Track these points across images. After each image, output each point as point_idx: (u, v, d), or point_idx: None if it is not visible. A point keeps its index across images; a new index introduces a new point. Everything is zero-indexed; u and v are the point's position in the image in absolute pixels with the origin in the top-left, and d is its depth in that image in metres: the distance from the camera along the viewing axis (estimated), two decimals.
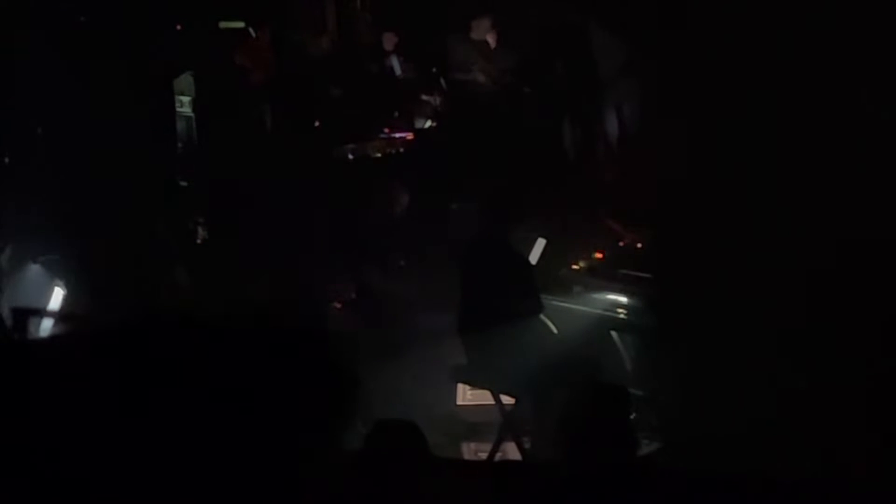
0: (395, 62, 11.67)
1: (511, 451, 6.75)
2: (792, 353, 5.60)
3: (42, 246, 7.65)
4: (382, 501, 4.21)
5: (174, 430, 1.98)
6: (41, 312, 7.00)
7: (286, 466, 2.09)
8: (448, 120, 11.15)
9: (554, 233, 8.04)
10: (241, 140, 9.51)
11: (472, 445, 7.19)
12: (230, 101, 9.79)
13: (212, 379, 2.04)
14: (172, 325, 2.17)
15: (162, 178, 8.54)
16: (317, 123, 10.74)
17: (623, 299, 7.22)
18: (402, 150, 10.69)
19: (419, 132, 11.13)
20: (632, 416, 4.79)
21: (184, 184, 9.26)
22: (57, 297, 7.46)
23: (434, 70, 11.58)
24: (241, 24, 10.59)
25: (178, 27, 9.64)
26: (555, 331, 6.98)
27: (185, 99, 9.94)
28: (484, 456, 6.82)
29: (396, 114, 11.28)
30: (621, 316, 7.19)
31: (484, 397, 7.14)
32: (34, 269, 7.59)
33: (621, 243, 7.82)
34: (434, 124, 11.31)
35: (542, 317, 6.92)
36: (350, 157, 10.39)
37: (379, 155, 10.51)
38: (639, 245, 7.66)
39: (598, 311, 7.25)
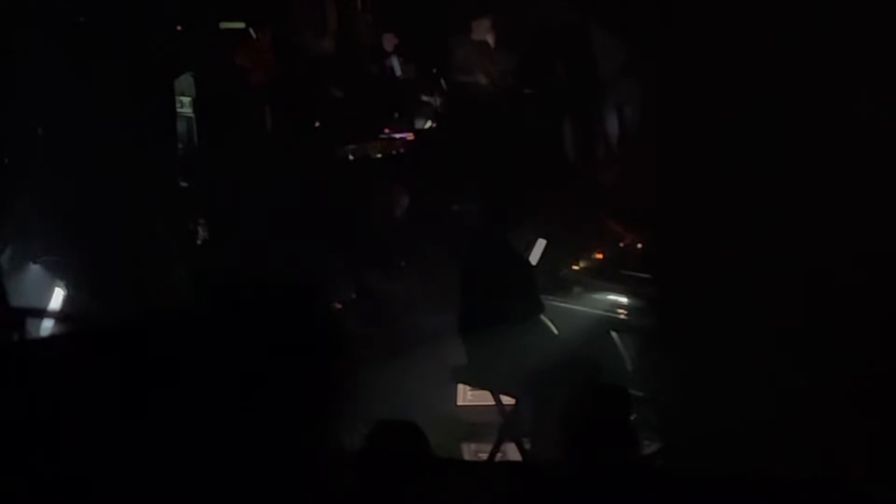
0: (395, 63, 11.67)
1: (511, 452, 6.75)
2: (792, 353, 5.60)
3: (42, 246, 7.65)
4: (384, 502, 4.21)
5: (174, 430, 1.98)
6: (41, 313, 7.00)
7: (286, 466, 2.09)
8: (448, 120, 11.15)
9: (554, 233, 8.04)
10: (242, 140, 9.50)
11: (473, 446, 7.20)
12: (231, 102, 9.78)
13: (212, 378, 2.04)
14: (172, 324, 2.17)
15: (162, 179, 8.54)
16: (317, 124, 10.74)
17: (623, 300, 7.23)
18: (402, 150, 10.69)
19: (419, 133, 11.13)
20: (632, 417, 4.78)
21: (184, 184, 9.26)
22: (57, 298, 7.45)
23: (434, 71, 11.58)
24: (241, 25, 10.59)
25: (179, 28, 9.64)
26: (555, 331, 6.98)
27: (186, 99, 9.94)
28: (484, 456, 6.82)
29: (397, 114, 11.28)
30: (621, 316, 7.20)
31: (484, 398, 7.14)
32: (34, 270, 7.59)
33: (621, 244, 7.83)
34: (434, 125, 11.31)
35: (542, 317, 6.93)
36: (350, 157, 10.39)
37: (379, 155, 10.51)
38: (639, 245, 7.66)
39: (599, 312, 7.25)
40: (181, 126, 9.64)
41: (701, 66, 6.03)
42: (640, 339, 7.03)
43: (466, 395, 7.57)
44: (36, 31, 7.37)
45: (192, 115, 9.90)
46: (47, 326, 6.77)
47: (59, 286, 7.46)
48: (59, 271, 7.57)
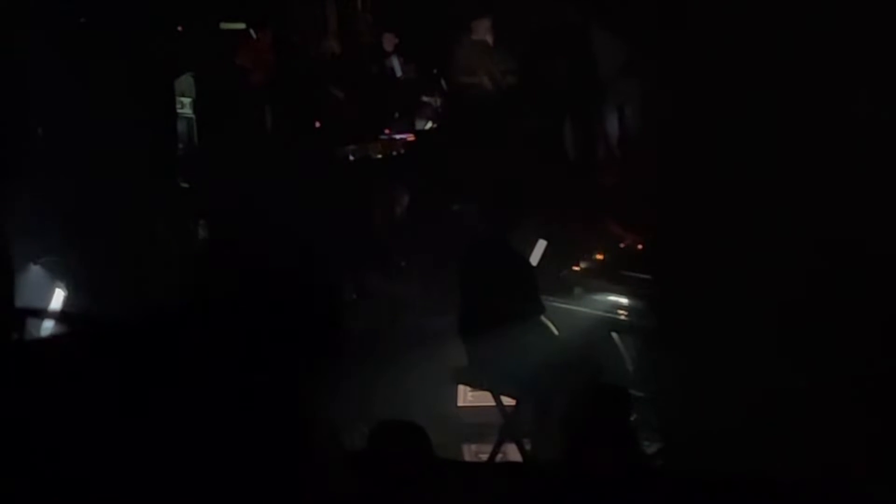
0: (395, 63, 11.68)
1: (512, 453, 6.75)
2: (792, 353, 5.60)
3: (43, 247, 7.64)
4: (385, 502, 4.20)
5: (175, 430, 1.98)
6: (42, 313, 6.99)
7: (288, 465, 2.09)
8: (449, 121, 11.15)
9: (555, 234, 8.03)
10: (242, 141, 9.50)
11: (473, 447, 7.19)
12: (231, 103, 9.78)
13: (212, 378, 2.04)
14: (172, 324, 2.17)
15: (163, 180, 8.54)
16: (317, 124, 10.74)
17: (624, 300, 7.22)
18: (402, 151, 10.69)
19: (420, 133, 11.13)
20: (633, 418, 4.78)
21: (185, 185, 9.25)
22: (58, 299, 7.45)
23: (435, 71, 11.59)
24: (241, 26, 10.58)
25: (179, 28, 9.64)
26: (556, 332, 6.97)
27: (186, 100, 9.94)
28: (485, 457, 6.82)
29: (397, 115, 11.28)
30: (622, 317, 7.19)
31: (485, 399, 7.13)
32: (35, 271, 7.58)
33: (622, 244, 7.82)
34: (435, 125, 11.32)
35: (542, 318, 6.91)
36: (351, 157, 10.39)
37: (380, 156, 10.51)
38: (639, 246, 7.66)
39: (599, 313, 7.25)
40: (181, 126, 9.64)
41: (701, 66, 6.03)
42: (641, 340, 7.03)
43: (467, 396, 7.57)
44: (36, 31, 7.37)
45: (192, 115, 9.90)
46: (48, 327, 6.76)
47: (59, 287, 7.45)
48: (59, 272, 7.56)
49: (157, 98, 8.55)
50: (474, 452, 7.12)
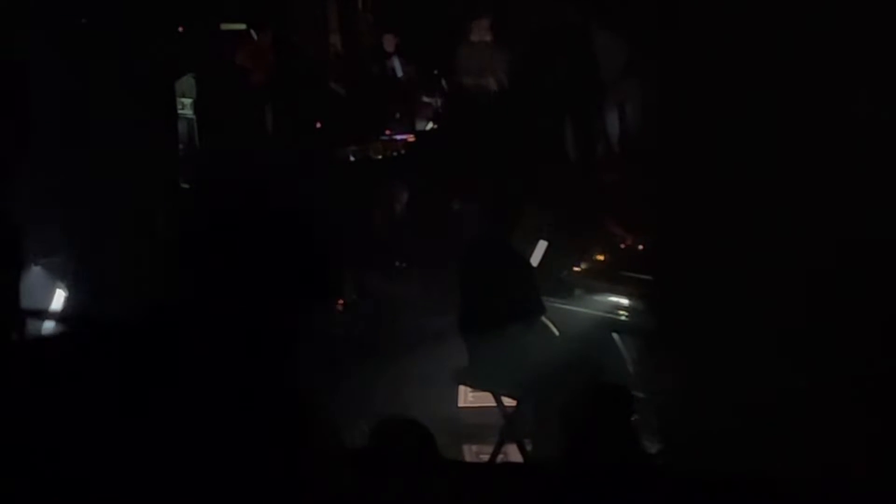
0: (396, 63, 11.68)
1: (513, 454, 6.75)
2: (792, 353, 5.60)
3: (43, 248, 7.64)
4: (388, 502, 4.20)
5: (175, 430, 1.98)
6: (42, 314, 6.99)
7: (289, 465, 2.09)
8: (449, 121, 11.15)
9: (555, 235, 8.03)
10: (243, 142, 9.51)
11: (474, 447, 7.19)
12: (231, 103, 9.78)
13: (212, 377, 2.04)
14: (172, 324, 2.17)
15: (163, 180, 8.53)
16: (318, 125, 10.75)
17: (625, 301, 7.22)
18: (403, 151, 10.69)
19: (420, 133, 11.13)
20: (633, 418, 4.78)
21: (185, 185, 9.26)
22: (59, 300, 7.44)
23: (435, 72, 11.59)
24: (242, 26, 10.59)
25: (180, 29, 9.64)
26: (556, 333, 6.98)
27: (187, 101, 9.94)
28: (485, 458, 6.81)
29: (398, 115, 11.29)
30: (623, 318, 7.19)
31: (485, 399, 7.14)
32: (35, 272, 7.58)
33: (623, 245, 7.82)
34: (435, 126, 11.32)
35: (543, 319, 6.92)
36: (351, 158, 10.40)
37: (380, 156, 10.52)
38: (640, 247, 7.65)
39: (600, 313, 7.24)
40: (182, 127, 9.64)
41: (702, 67, 6.03)
42: (641, 341, 7.02)
43: (467, 397, 7.57)
44: (36, 31, 7.36)
45: (193, 116, 9.91)
46: (49, 327, 6.76)
47: (60, 287, 7.45)
48: (60, 273, 7.56)
49: (158, 99, 8.55)
50: (475, 453, 7.12)
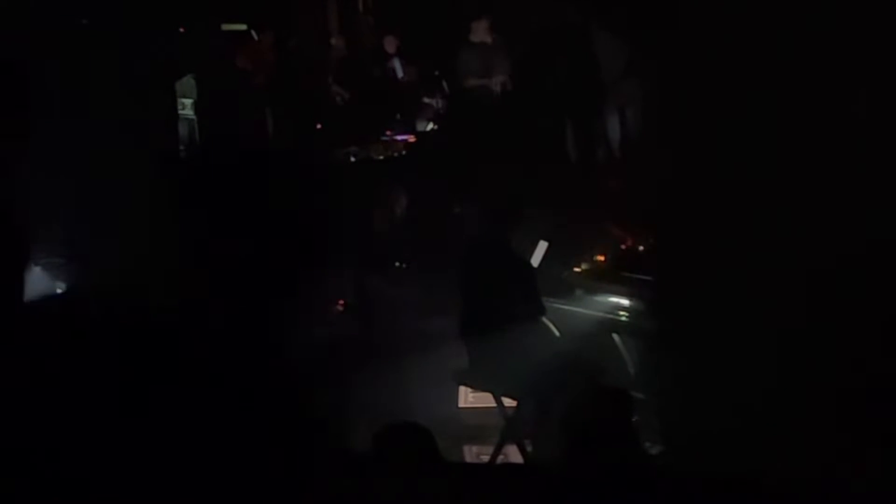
0: (396, 64, 11.70)
1: (513, 455, 6.74)
2: (793, 354, 5.59)
3: (44, 248, 7.64)
4: (388, 502, 4.19)
5: (175, 429, 1.97)
6: (43, 314, 6.98)
7: (289, 466, 2.08)
8: (450, 122, 11.16)
9: (556, 235, 8.03)
10: (243, 142, 9.49)
11: (474, 448, 7.18)
12: (232, 104, 9.78)
13: (213, 377, 2.04)
14: (171, 324, 2.17)
15: (163, 181, 8.53)
16: (318, 126, 10.75)
17: (625, 302, 7.22)
18: (403, 152, 10.70)
19: (421, 134, 11.14)
20: (634, 419, 4.78)
21: (185, 186, 9.25)
22: (59, 300, 7.43)
23: (436, 73, 11.60)
24: (243, 27, 10.60)
25: (181, 29, 9.64)
26: (557, 333, 6.98)
27: (187, 101, 9.94)
28: (486, 459, 6.81)
29: (398, 116, 11.29)
30: (623, 318, 7.18)
31: (486, 400, 7.13)
32: (36, 272, 7.58)
33: (623, 246, 7.82)
34: (436, 126, 11.32)
35: (544, 319, 6.92)
36: (352, 159, 10.40)
37: (381, 157, 10.52)
38: (641, 248, 7.65)
39: (601, 314, 7.24)
40: (183, 128, 9.64)
41: (702, 68, 6.03)
42: (642, 342, 7.02)
43: (468, 398, 7.57)
44: (36, 31, 7.36)
45: (193, 117, 9.90)
46: (49, 328, 6.75)
47: (60, 288, 7.45)
48: (60, 273, 7.56)
49: (159, 99, 8.56)
50: (475, 454, 7.12)
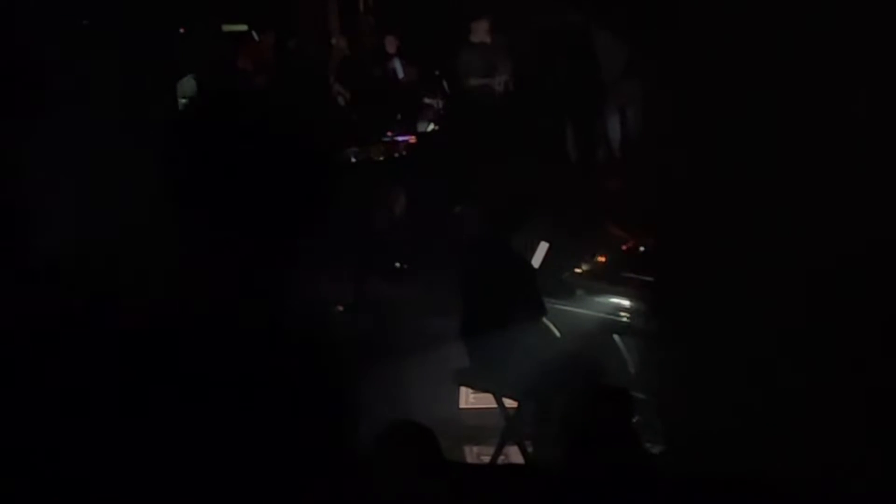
0: (397, 65, 11.70)
1: (514, 455, 6.75)
2: (793, 354, 5.59)
3: (43, 248, 7.64)
4: (389, 503, 4.20)
5: (176, 429, 1.97)
6: (43, 314, 6.98)
7: (290, 466, 2.09)
8: (451, 123, 11.16)
9: (557, 236, 8.03)
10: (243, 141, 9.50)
11: (475, 449, 7.19)
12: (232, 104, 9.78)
13: (213, 379, 2.04)
14: (172, 325, 2.17)
15: (163, 181, 8.54)
16: (318, 126, 10.74)
17: (626, 303, 7.21)
18: (404, 152, 10.70)
19: (422, 135, 11.14)
20: (635, 420, 4.78)
21: (185, 186, 9.26)
22: (59, 300, 7.45)
23: (437, 73, 11.60)
24: (244, 28, 10.60)
25: (182, 30, 9.65)
26: (557, 334, 6.98)
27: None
28: (487, 459, 6.81)
29: (399, 116, 11.30)
30: (624, 319, 7.18)
31: (486, 401, 7.13)
32: (35, 271, 7.58)
33: (624, 247, 7.82)
34: (437, 127, 11.33)
35: (544, 320, 6.92)
36: (353, 159, 10.40)
37: (381, 158, 10.52)
38: (642, 248, 7.65)
39: (601, 315, 7.24)
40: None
41: (702, 68, 6.03)
42: (643, 342, 7.02)
43: (468, 398, 7.57)
44: (36, 31, 7.37)
45: None
46: (49, 328, 6.76)
47: (59, 288, 7.45)
48: (59, 271, 7.56)
49: (159, 100, 8.56)
50: (476, 454, 7.12)
